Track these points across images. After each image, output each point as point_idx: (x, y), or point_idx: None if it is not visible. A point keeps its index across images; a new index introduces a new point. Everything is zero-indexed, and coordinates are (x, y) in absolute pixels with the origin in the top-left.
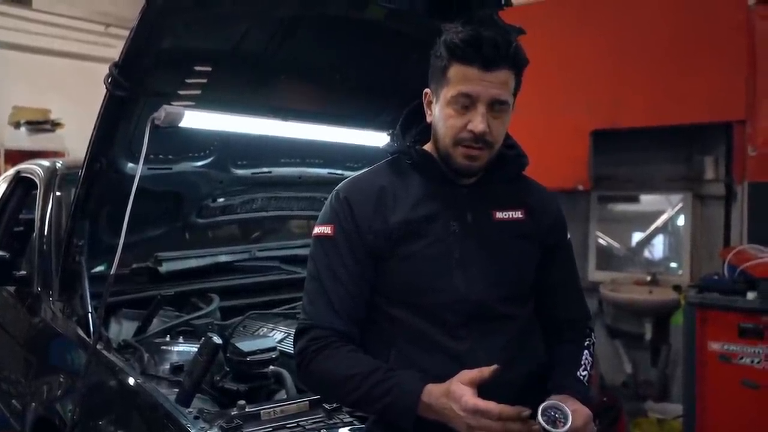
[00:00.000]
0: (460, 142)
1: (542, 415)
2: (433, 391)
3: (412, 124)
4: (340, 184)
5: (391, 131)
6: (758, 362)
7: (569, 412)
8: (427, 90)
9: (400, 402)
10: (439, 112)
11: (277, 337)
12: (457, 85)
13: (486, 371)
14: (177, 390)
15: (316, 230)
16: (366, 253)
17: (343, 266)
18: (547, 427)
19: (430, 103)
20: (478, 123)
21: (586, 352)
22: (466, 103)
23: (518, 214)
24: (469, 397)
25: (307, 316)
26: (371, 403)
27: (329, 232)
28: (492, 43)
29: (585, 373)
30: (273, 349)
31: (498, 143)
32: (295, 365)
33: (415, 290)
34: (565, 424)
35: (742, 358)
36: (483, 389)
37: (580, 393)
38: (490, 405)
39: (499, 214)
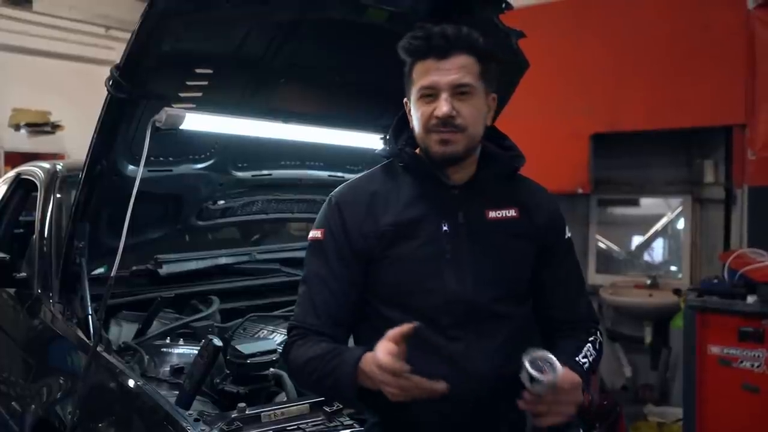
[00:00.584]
0: (431, 128)
1: (530, 363)
2: (367, 358)
3: (404, 128)
4: (334, 190)
5: (383, 136)
6: (758, 366)
7: (557, 363)
8: (405, 99)
9: (343, 374)
10: (412, 111)
11: (277, 339)
12: (419, 80)
13: (406, 327)
14: (177, 392)
15: (310, 235)
16: (354, 257)
17: (329, 269)
18: (532, 372)
19: (409, 110)
20: (441, 107)
21: (588, 345)
22: (430, 95)
23: (512, 213)
24: (378, 353)
25: (293, 317)
26: (324, 381)
27: (320, 236)
28: (441, 34)
29: (585, 360)
30: (273, 351)
31: (471, 127)
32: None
33: (407, 291)
34: (552, 372)
35: (742, 361)
36: (479, 389)
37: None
38: (386, 359)
39: (492, 214)
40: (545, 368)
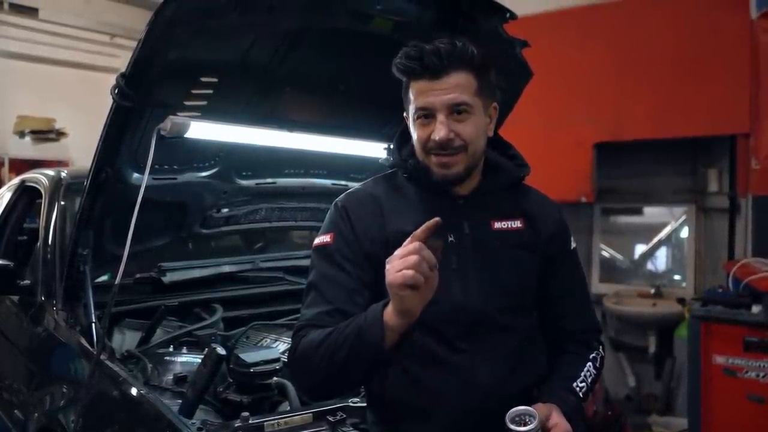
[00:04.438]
0: (430, 150)
1: (510, 419)
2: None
3: (407, 139)
4: (339, 197)
5: (387, 146)
6: (764, 376)
7: (537, 414)
8: (405, 114)
9: (368, 320)
10: (411, 131)
11: (281, 348)
12: (415, 101)
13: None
14: (180, 401)
15: (316, 241)
16: (365, 258)
17: (341, 269)
18: (511, 426)
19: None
20: (438, 131)
21: (589, 364)
22: (427, 116)
23: (517, 224)
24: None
25: (300, 319)
26: (345, 345)
27: (329, 240)
28: (434, 52)
29: (583, 385)
30: (276, 360)
31: (472, 144)
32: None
33: None
34: (531, 423)
35: (747, 372)
36: (485, 401)
37: (567, 405)
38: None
39: (497, 224)
40: (527, 421)
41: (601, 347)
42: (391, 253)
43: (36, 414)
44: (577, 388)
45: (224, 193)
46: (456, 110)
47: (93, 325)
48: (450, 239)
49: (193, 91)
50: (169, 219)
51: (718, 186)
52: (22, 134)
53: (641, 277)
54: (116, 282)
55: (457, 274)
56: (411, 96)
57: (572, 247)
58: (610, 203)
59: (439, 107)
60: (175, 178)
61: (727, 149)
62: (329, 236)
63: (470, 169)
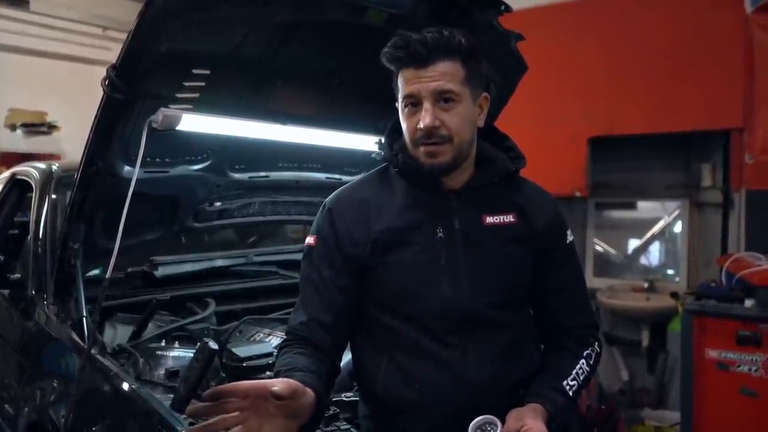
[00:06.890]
0: (417, 141)
1: (472, 429)
2: None
3: (399, 133)
4: (328, 197)
5: (378, 140)
6: (756, 370)
7: (497, 421)
8: (396, 105)
9: None
10: (401, 121)
11: (274, 342)
12: (403, 89)
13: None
14: (172, 396)
15: (306, 241)
16: (344, 263)
17: (319, 274)
18: None
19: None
20: (423, 118)
21: (582, 361)
22: (413, 104)
23: (510, 218)
24: None
25: (288, 322)
26: None
27: (312, 242)
28: (421, 41)
29: (574, 383)
30: (269, 354)
31: (458, 135)
32: None
33: (403, 298)
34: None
35: (739, 366)
36: (476, 397)
37: (554, 404)
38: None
39: (489, 219)
40: (488, 429)
41: (596, 344)
42: (379, 252)
43: (26, 409)
44: (567, 387)
45: (217, 186)
46: (443, 98)
47: (84, 319)
48: (440, 235)
49: (186, 84)
50: (161, 213)
51: (712, 180)
52: (13, 127)
53: (635, 272)
54: (107, 276)
55: (446, 270)
56: (399, 85)
57: (568, 241)
58: (604, 198)
59: (425, 94)
60: (167, 172)
61: (721, 144)
62: (313, 239)
63: (458, 159)
